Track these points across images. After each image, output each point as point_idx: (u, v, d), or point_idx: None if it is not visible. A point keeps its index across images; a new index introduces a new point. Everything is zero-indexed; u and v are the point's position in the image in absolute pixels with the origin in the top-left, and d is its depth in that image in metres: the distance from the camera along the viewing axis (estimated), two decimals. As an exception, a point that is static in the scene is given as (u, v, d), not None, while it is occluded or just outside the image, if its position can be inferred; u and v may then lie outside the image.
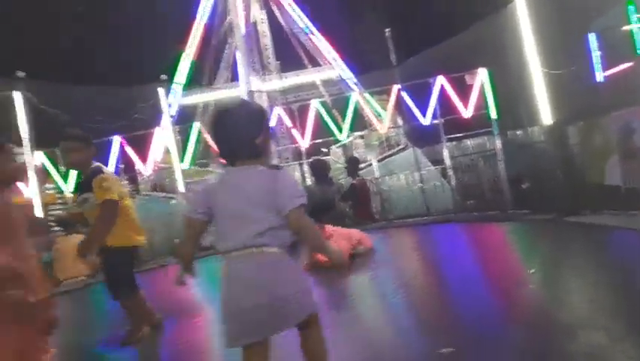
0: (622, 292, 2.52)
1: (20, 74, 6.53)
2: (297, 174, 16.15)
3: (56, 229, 7.71)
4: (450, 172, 10.25)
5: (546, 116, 5.15)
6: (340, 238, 4.49)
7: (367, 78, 15.33)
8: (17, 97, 6.45)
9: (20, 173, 3.99)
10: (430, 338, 2.32)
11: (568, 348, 2.01)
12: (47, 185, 10.09)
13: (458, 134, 12.38)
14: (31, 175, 7.73)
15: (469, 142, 16.02)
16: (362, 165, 14.18)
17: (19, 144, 6.90)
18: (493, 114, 9.91)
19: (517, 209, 5.93)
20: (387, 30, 7.54)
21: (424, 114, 10.19)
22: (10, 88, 6.45)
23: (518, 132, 12.60)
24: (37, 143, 7.30)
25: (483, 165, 10.90)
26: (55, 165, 9.80)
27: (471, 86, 9.96)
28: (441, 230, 5.45)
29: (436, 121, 10.74)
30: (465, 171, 11.39)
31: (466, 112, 10.31)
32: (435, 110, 10.26)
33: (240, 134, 1.88)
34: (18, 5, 20.87)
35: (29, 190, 9.01)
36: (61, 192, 10.21)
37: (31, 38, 20.05)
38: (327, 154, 15.69)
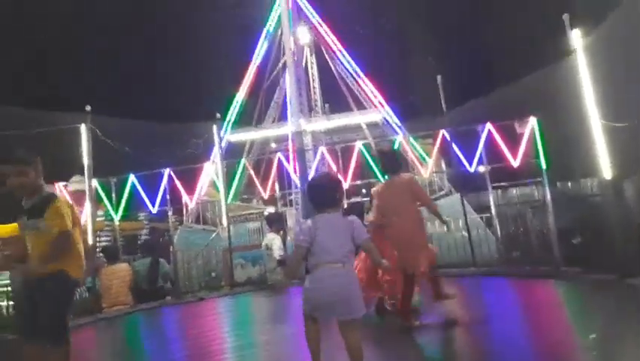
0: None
1: (87, 108, 7.03)
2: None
3: (101, 256, 8.00)
4: (495, 221, 9.90)
5: (605, 168, 4.91)
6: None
7: (414, 123, 15.35)
8: (83, 130, 6.93)
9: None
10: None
11: None
12: (98, 212, 10.57)
13: (504, 183, 12.01)
14: (88, 202, 8.15)
15: (514, 191, 15.52)
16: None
17: (82, 172, 7.34)
18: (543, 164, 9.59)
19: (566, 265, 5.58)
20: (439, 76, 7.56)
21: (469, 161, 10.01)
22: (78, 121, 6.95)
23: (569, 183, 12.09)
24: (94, 172, 7.74)
25: (531, 216, 10.47)
26: (108, 193, 10.33)
27: (521, 135, 9.74)
28: (488, 284, 5.19)
29: (482, 168, 10.52)
30: (511, 221, 10.96)
31: (515, 161, 10.03)
32: (481, 157, 10.07)
33: (328, 194, 3.09)
34: (86, 44, 22.78)
35: (84, 215, 9.50)
36: (111, 219, 10.67)
37: (99, 74, 21.72)
38: (367, 195, 15.65)
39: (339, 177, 3.62)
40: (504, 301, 4.60)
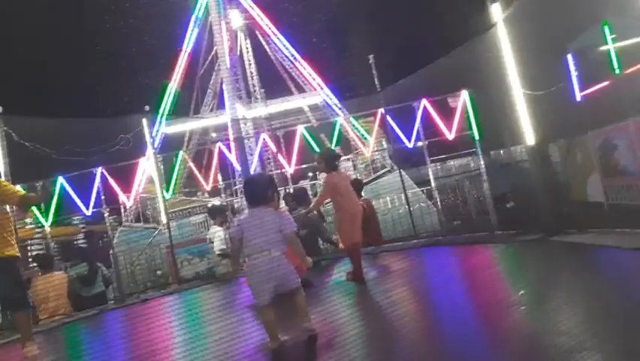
0: (611, 313, 2.46)
1: (-1, 109, 6.43)
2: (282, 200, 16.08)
3: (34, 266, 7.47)
4: (435, 193, 10.26)
5: (529, 135, 5.18)
6: None
7: (352, 104, 15.49)
8: (-6, 131, 6.34)
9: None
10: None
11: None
12: (27, 220, 9.86)
13: (442, 156, 12.43)
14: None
15: (452, 163, 16.17)
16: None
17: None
18: (477, 135, 10.01)
19: (503, 230, 5.89)
20: (370, 56, 7.59)
21: (408, 137, 10.24)
22: None
23: (502, 152, 12.75)
24: (16, 177, 7.14)
25: (468, 186, 10.96)
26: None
27: (454, 108, 10.08)
28: (429, 253, 5.37)
29: (420, 143, 10.81)
30: (450, 192, 11.42)
31: (450, 134, 10.39)
32: (419, 132, 10.34)
33: (259, 191, 3.54)
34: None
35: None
36: (41, 226, 9.96)
37: (8, 71, 19.98)
38: (315, 178, 15.66)
39: (272, 175, 4.61)
40: (442, 268, 4.80)
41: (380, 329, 2.95)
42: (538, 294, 3.04)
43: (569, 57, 6.27)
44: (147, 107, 8.47)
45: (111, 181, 10.58)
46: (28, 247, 9.72)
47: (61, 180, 9.86)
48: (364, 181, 12.89)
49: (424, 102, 10.27)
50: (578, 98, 6.36)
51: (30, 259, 8.43)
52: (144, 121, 8.05)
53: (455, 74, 9.53)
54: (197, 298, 4.87)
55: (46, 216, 9.86)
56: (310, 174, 16.07)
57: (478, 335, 2.54)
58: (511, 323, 2.64)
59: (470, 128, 10.31)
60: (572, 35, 6.18)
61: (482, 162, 10.08)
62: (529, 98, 5.27)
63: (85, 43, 22.29)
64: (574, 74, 6.32)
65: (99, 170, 10.15)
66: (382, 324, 3.08)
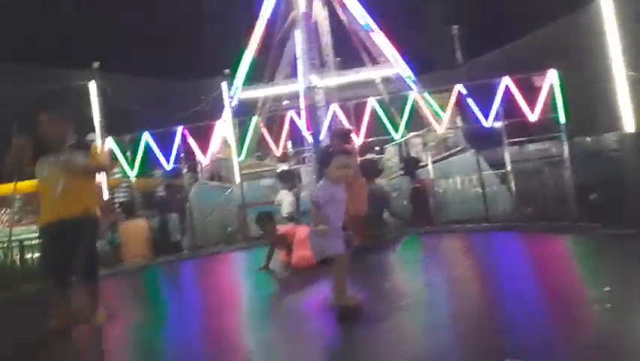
0: None
1: (95, 64, 6.94)
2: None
3: (120, 212, 8.16)
4: (510, 177, 9.79)
5: (628, 122, 4.69)
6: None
7: (429, 77, 14.92)
8: (92, 87, 6.87)
9: None
10: (490, 351, 2.21)
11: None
12: (114, 169, 10.71)
13: (521, 138, 11.71)
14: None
15: (532, 146, 15.21)
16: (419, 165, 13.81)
17: (93, 130, 7.36)
18: (562, 118, 9.34)
19: (583, 221, 5.54)
20: (454, 27, 7.21)
21: (486, 116, 9.77)
22: (87, 78, 6.88)
23: (588, 139, 11.76)
24: (108, 130, 7.75)
25: (547, 172, 10.31)
26: (123, 151, 10.42)
27: (539, 88, 9.44)
28: (502, 238, 5.18)
29: (498, 123, 10.28)
30: (527, 178, 10.82)
31: (532, 115, 9.78)
32: (498, 112, 9.83)
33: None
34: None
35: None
36: (127, 177, 10.82)
37: (105, 31, 21.34)
38: (381, 152, 15.46)
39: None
40: (516, 255, 4.62)
41: (441, 317, 2.92)
42: (625, 291, 2.85)
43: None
44: (227, 71, 8.75)
45: (190, 140, 11.24)
46: (115, 196, 10.60)
47: (146, 135, 10.63)
48: (434, 159, 12.55)
49: (507, 80, 9.73)
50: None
51: (116, 206, 9.21)
52: (223, 84, 8.33)
53: (544, 51, 8.86)
54: (261, 254, 5.12)
55: (131, 167, 10.71)
56: (377, 148, 15.86)
57: (553, 330, 2.45)
58: (591, 319, 2.50)
59: (555, 111, 9.66)
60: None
61: (566, 148, 9.44)
62: (632, 81, 4.80)
63: (175, 6, 23.21)
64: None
65: (179, 129, 10.80)
66: (445, 310, 3.05)
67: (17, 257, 10.17)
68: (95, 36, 20.75)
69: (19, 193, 12.58)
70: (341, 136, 5.83)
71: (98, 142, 7.71)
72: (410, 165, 7.72)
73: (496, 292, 3.07)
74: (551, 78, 9.18)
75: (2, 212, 16.48)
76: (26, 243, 9.78)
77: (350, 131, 6.52)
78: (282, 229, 4.71)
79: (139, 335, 3.04)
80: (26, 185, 14.14)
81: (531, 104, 9.73)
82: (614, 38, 4.66)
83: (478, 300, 3.04)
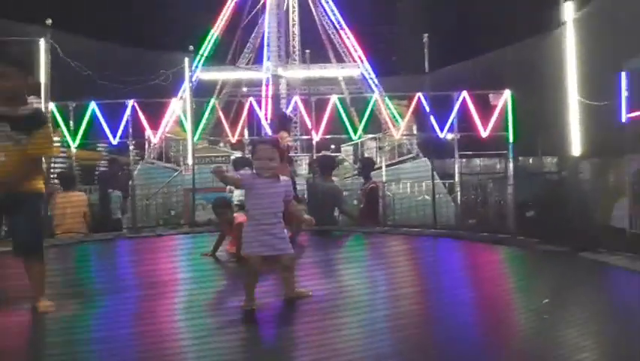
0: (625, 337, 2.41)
1: (49, 21, 6.40)
2: (304, 165, 16.12)
3: (56, 183, 7.64)
4: (457, 188, 10.14)
5: (575, 146, 4.98)
6: None
7: (390, 81, 15.19)
8: (42, 45, 6.34)
9: None
10: None
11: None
12: (55, 138, 10.00)
13: (470, 152, 12.19)
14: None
15: (479, 161, 15.93)
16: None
17: (38, 92, 6.80)
18: (511, 137, 9.78)
19: (519, 236, 5.82)
20: (425, 35, 7.28)
21: (441, 127, 10.04)
22: (37, 35, 6.32)
23: (530, 160, 12.48)
24: (54, 94, 7.21)
25: (491, 187, 10.80)
26: (65, 118, 9.76)
27: (494, 106, 9.84)
28: (447, 245, 5.34)
29: (451, 135, 10.63)
30: (472, 190, 11.27)
31: (484, 131, 10.17)
32: (453, 124, 10.14)
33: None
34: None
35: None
36: (67, 146, 10.17)
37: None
38: (337, 151, 15.60)
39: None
40: (460, 261, 4.77)
41: (370, 308, 2.94)
42: (564, 303, 2.99)
43: (623, 75, 6.03)
44: (191, 47, 8.40)
45: (141, 115, 10.72)
46: (52, 164, 9.90)
47: (93, 105, 10.01)
48: (387, 163, 12.79)
49: (464, 94, 10.05)
50: (624, 119, 6.15)
51: (52, 176, 8.62)
52: (186, 60, 7.99)
53: (504, 70, 9.20)
54: (207, 241, 4.96)
55: (73, 138, 10.06)
56: (333, 146, 15.99)
57: (491, 337, 2.51)
58: (529, 329, 2.59)
59: (506, 130, 10.11)
60: (632, 53, 5.90)
61: (510, 166, 9.90)
62: (582, 108, 5.08)
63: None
64: (624, 93, 6.09)
65: (131, 102, 10.26)
66: (375, 304, 3.08)
67: None
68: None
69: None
70: (282, 121, 5.69)
71: (42, 106, 7.13)
72: (367, 166, 7.78)
73: (437, 298, 3.14)
74: (506, 97, 9.59)
75: None
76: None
77: (291, 119, 6.45)
78: (239, 217, 4.52)
79: (57, 326, 2.79)
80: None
81: (484, 120, 10.13)
82: (571, 65, 4.91)
83: (417, 303, 3.09)
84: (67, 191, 7.25)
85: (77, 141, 9.84)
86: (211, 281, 3.93)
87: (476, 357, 2.21)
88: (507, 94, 9.64)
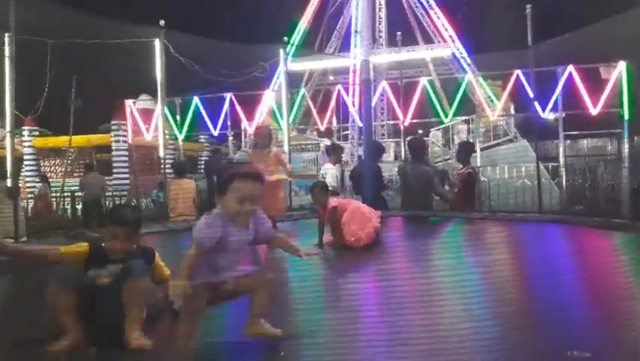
0: None
1: (162, 22, 7.00)
2: (391, 152, 15.95)
3: (169, 172, 8.40)
4: (562, 172, 9.40)
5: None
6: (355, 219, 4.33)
7: (484, 59, 14.39)
8: (157, 45, 6.96)
9: None
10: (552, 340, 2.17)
11: None
12: (166, 130, 10.97)
13: (577, 132, 11.14)
14: (159, 119, 8.47)
15: (585, 142, 14.54)
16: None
17: (149, 90, 7.53)
18: (626, 114, 8.82)
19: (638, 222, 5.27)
20: (528, 6, 6.74)
21: (543, 106, 9.30)
22: (152, 36, 6.96)
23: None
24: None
25: (602, 170, 9.84)
26: (173, 113, 10.68)
27: (605, 80, 8.92)
28: (554, 230, 5.01)
29: (554, 115, 9.83)
30: (579, 174, 10.37)
31: (594, 109, 9.26)
32: (556, 102, 9.37)
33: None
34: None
35: (153, 133, 9.96)
36: (175, 138, 11.12)
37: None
38: (425, 135, 15.21)
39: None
40: (573, 246, 4.46)
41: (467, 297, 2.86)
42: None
43: None
44: (286, 38, 8.69)
45: (238, 108, 11.38)
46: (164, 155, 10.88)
47: (196, 99, 10.83)
48: (482, 146, 12.21)
49: (571, 69, 9.22)
50: None
51: (166, 166, 9.50)
52: (281, 52, 8.28)
53: (616, 41, 8.32)
54: (306, 226, 5.16)
55: (180, 130, 10.99)
56: (420, 131, 15.59)
57: (614, 323, 2.35)
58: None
59: (620, 106, 9.12)
60: None
61: (626, 146, 8.94)
62: None
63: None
64: None
65: (228, 95, 10.93)
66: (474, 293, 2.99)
67: (69, 207, 10.79)
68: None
69: (73, 147, 13.20)
70: (263, 136, 5.57)
71: (158, 104, 7.87)
72: (465, 150, 7.46)
73: (554, 283, 2.99)
74: (620, 70, 8.65)
75: (56, 163, 17.41)
76: (77, 194, 10.31)
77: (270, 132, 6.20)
78: (332, 201, 4.62)
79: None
80: (80, 139, 14.82)
81: (594, 97, 9.23)
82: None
83: (536, 290, 2.98)
84: (178, 178, 7.95)
85: (184, 133, 10.75)
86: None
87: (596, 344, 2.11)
88: (621, 66, 8.68)
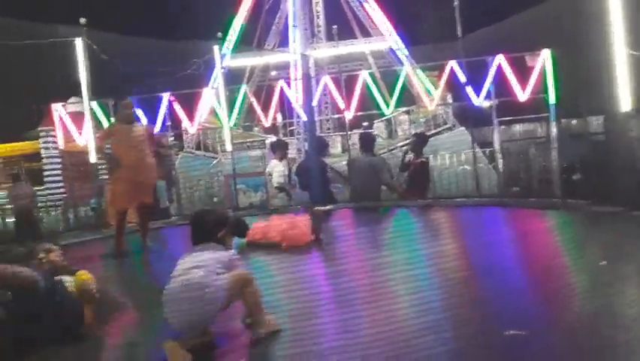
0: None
1: (82, 20, 6.60)
2: (338, 145, 16.09)
3: (104, 175, 7.99)
4: (498, 156, 9.87)
5: (625, 102, 4.73)
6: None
7: (420, 51, 14.80)
8: (79, 44, 6.56)
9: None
10: (489, 320, 2.24)
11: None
12: (97, 134, 10.39)
13: (509, 118, 11.74)
14: (88, 122, 8.00)
15: (517, 127, 15.39)
16: (406, 142, 13.88)
17: (77, 92, 7.10)
18: (552, 99, 9.40)
19: (569, 199, 5.63)
20: (456, -1, 7.00)
21: (477, 94, 9.74)
22: (73, 35, 6.55)
23: (573, 121, 11.92)
24: (93, 92, 7.48)
25: (534, 152, 10.44)
26: (107, 114, 10.11)
27: (531, 68, 9.44)
28: (493, 213, 5.25)
29: (488, 102, 10.29)
30: (514, 157, 10.95)
31: (522, 95, 9.79)
32: (489, 90, 9.81)
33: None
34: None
35: (85, 137, 9.38)
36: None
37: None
38: (369, 128, 15.46)
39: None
40: (510, 229, 4.70)
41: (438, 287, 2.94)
42: (622, 264, 2.92)
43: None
44: (219, 34, 8.47)
45: (177, 107, 10.95)
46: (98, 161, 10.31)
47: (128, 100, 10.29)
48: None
49: (500, 58, 9.68)
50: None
51: (102, 170, 9.02)
52: (215, 48, 8.07)
53: (539, 30, 8.81)
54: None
55: (115, 133, 10.40)
56: (365, 123, 15.85)
57: (554, 302, 2.47)
58: (590, 292, 2.55)
59: (545, 92, 9.70)
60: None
61: (554, 129, 9.53)
62: (632, 61, 4.82)
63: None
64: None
65: (166, 95, 10.49)
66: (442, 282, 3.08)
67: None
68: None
69: None
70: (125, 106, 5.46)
71: (85, 106, 7.41)
72: (420, 142, 7.66)
73: (494, 266, 3.11)
74: (544, 57, 9.18)
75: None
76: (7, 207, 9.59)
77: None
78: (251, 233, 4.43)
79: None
80: (6, 148, 13.72)
81: (523, 84, 9.74)
82: (616, 17, 4.64)
83: (476, 273, 3.08)
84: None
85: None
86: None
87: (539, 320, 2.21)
88: (545, 53, 9.22)
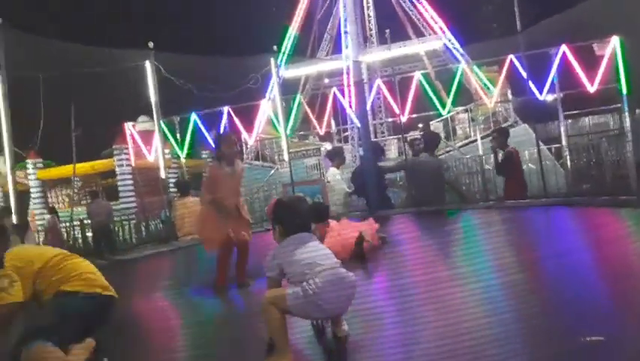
0: None
1: (150, 44, 7.08)
2: (394, 149, 15.92)
3: (173, 191, 8.44)
4: (566, 153, 9.34)
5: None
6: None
7: (478, 48, 14.33)
8: (148, 67, 7.03)
9: None
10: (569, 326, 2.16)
11: None
12: (165, 150, 11.02)
13: (577, 111, 11.04)
14: (158, 140, 8.53)
15: (586, 120, 14.42)
16: (466, 142, 13.49)
17: (146, 112, 7.60)
18: (624, 88, 8.75)
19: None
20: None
21: (539, 88, 9.26)
22: (141, 59, 7.03)
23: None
24: (160, 111, 7.98)
25: (606, 147, 9.76)
26: (173, 132, 10.74)
27: (600, 57, 8.86)
28: (561, 213, 4.97)
29: (550, 96, 9.76)
30: (583, 152, 10.29)
31: (591, 86, 9.19)
32: (553, 83, 9.32)
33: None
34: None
35: (154, 154, 10.02)
36: (177, 157, 11.17)
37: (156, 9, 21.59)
38: (425, 129, 15.17)
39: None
40: (584, 230, 4.42)
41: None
42: None
43: None
44: (275, 47, 8.72)
45: (236, 120, 11.42)
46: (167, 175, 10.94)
47: (194, 116, 10.89)
48: (483, 135, 12.16)
49: (564, 48, 9.17)
50: None
51: (170, 185, 9.53)
52: (272, 60, 8.32)
53: (606, 17, 8.26)
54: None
55: (181, 149, 11.05)
56: (420, 125, 15.55)
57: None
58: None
59: (617, 81, 9.05)
60: None
61: (627, 120, 8.87)
62: None
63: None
64: None
65: (226, 109, 10.97)
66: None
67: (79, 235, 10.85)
68: (141, 14, 21.11)
69: (78, 175, 13.29)
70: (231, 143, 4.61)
71: (155, 125, 7.92)
72: (502, 136, 7.39)
73: (581, 270, 2.97)
74: (613, 45, 8.59)
75: (63, 193, 17.52)
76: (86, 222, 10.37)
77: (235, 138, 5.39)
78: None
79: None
80: (84, 167, 14.93)
81: (590, 74, 9.16)
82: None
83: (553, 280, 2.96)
84: (183, 197, 7.98)
85: (185, 152, 10.81)
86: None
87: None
88: (615, 41, 8.62)
